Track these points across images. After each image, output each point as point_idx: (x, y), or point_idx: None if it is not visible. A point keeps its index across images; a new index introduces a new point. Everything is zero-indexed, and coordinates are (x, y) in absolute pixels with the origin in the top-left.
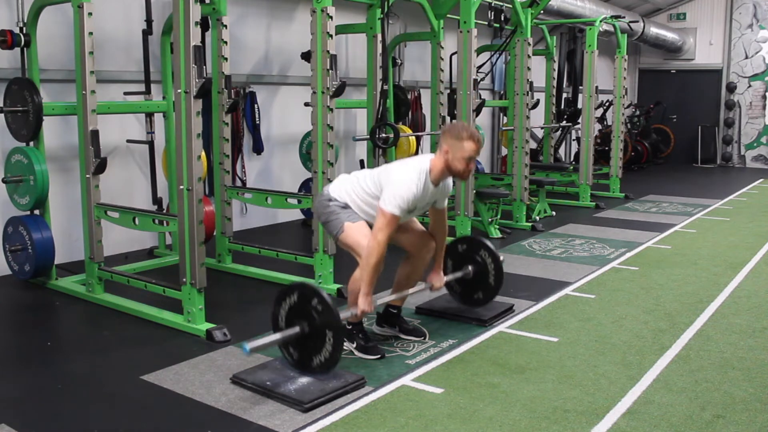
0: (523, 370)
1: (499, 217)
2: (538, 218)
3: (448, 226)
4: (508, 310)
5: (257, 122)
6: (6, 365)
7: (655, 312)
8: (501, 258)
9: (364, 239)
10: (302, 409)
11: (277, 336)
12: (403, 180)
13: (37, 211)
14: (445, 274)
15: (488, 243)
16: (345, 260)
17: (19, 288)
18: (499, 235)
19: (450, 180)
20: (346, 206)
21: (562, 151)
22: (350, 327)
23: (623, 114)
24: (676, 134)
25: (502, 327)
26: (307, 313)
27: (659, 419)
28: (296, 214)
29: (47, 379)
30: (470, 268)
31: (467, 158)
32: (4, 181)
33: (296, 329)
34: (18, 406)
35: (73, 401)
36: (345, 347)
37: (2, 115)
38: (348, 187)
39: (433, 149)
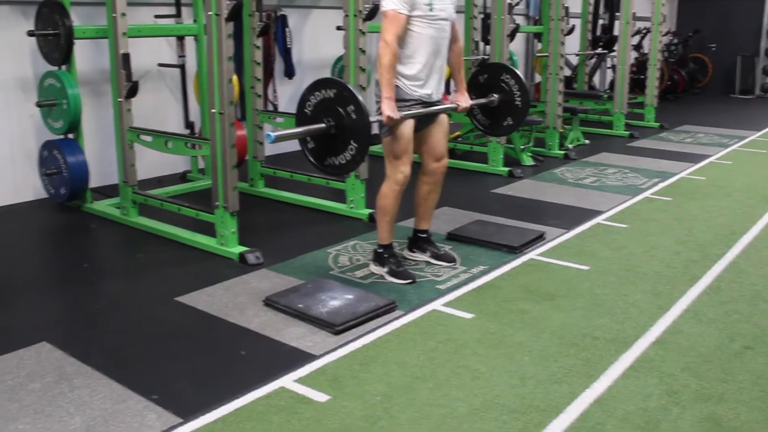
0: (553, 298)
1: (531, 144)
2: (571, 146)
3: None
4: (539, 238)
5: (288, 46)
6: (45, 286)
7: (687, 243)
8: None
9: (400, 155)
10: (334, 332)
11: (302, 129)
12: None
13: (71, 135)
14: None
15: (509, 65)
16: (378, 183)
17: (56, 211)
18: (532, 163)
19: None
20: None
21: (596, 78)
22: (381, 251)
23: (660, 42)
24: (714, 63)
25: (533, 254)
26: (338, 115)
27: (688, 349)
28: None
29: (84, 300)
30: (495, 95)
31: None
32: (38, 105)
33: (322, 126)
34: (57, 325)
35: (110, 321)
36: (376, 271)
37: (34, 38)
38: None
39: (467, 76)
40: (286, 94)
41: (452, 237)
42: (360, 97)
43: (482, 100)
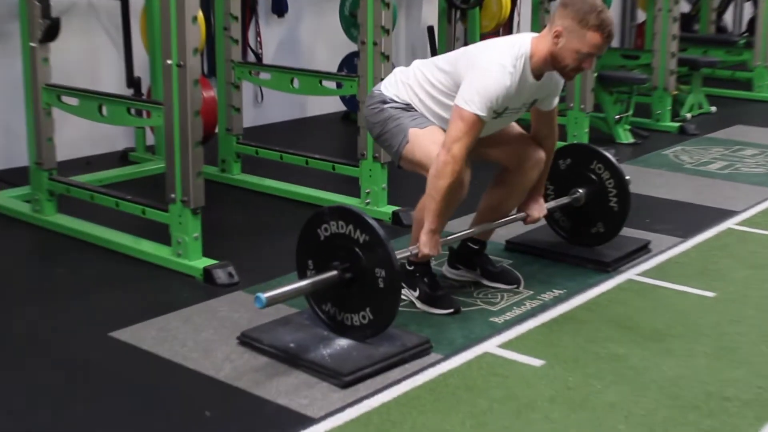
0: (662, 338)
1: (631, 113)
2: (689, 116)
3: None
4: (642, 249)
5: None
6: None
7: None
8: (627, 177)
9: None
10: (340, 384)
11: (305, 282)
12: (491, 67)
13: None
14: (546, 201)
15: (602, 151)
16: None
17: None
18: (631, 140)
19: (556, 73)
20: (408, 107)
21: (728, 17)
22: (412, 268)
23: None
24: None
25: (632, 274)
26: (361, 268)
27: None
28: (335, 104)
29: None
30: (580, 191)
31: (585, 54)
32: None
33: (333, 275)
34: None
35: (17, 366)
36: (404, 296)
37: None
38: (409, 80)
39: (535, 14)
40: (275, 39)
41: (513, 247)
42: (398, 264)
43: (563, 200)
